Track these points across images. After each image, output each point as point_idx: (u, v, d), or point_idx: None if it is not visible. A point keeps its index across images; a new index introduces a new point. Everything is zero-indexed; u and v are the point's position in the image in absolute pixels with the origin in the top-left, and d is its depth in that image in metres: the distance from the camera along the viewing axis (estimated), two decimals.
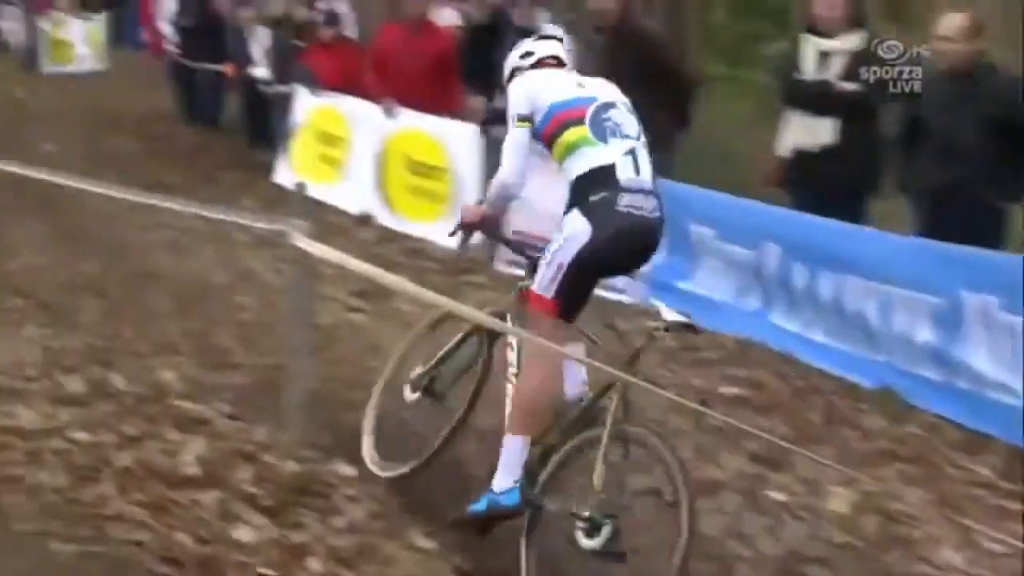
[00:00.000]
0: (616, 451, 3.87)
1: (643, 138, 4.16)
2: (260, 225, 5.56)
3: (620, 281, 6.17)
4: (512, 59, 4.55)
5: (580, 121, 4.10)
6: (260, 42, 11.43)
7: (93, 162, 10.86)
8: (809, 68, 6.51)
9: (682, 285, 6.77)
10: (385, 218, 9.22)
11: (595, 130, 4.09)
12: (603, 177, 4.01)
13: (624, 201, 3.98)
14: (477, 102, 8.52)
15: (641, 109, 4.27)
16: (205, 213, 6.02)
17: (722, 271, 6.64)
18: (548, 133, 4.15)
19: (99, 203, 8.14)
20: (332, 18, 10.44)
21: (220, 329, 6.42)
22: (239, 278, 7.52)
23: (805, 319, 6.12)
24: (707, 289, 6.69)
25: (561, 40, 4.66)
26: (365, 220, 9.24)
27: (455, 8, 10.16)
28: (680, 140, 7.31)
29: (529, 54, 4.52)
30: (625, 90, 4.32)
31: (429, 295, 4.47)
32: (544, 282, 4.04)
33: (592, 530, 3.82)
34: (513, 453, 4.05)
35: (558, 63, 4.49)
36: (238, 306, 6.94)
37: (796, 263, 6.12)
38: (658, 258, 4.65)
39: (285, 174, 10.20)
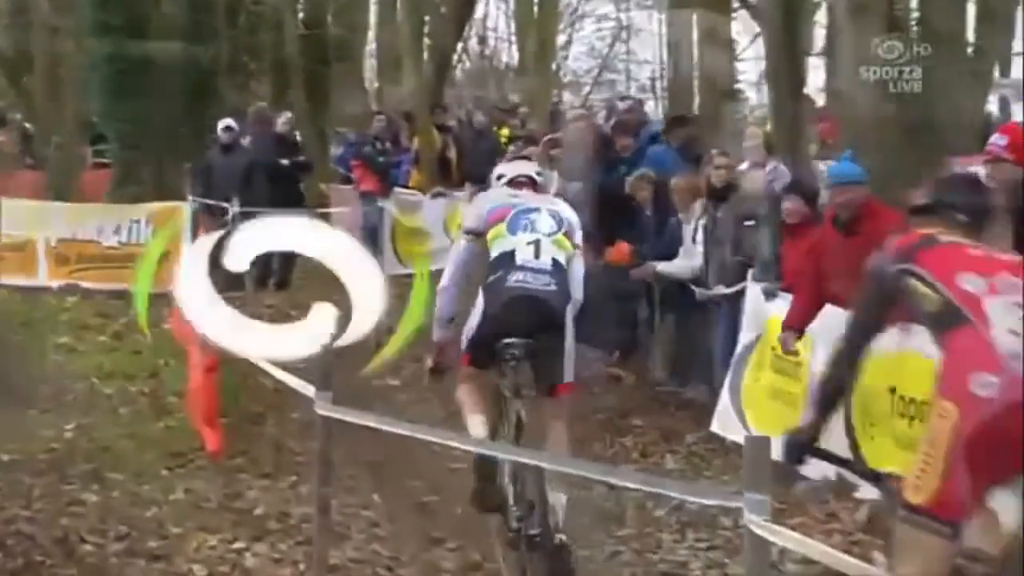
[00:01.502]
0: None
1: (559, 236, 7.17)
2: (696, 499, 5.55)
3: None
4: (490, 180, 7.91)
5: (502, 220, 7.23)
6: (696, 224, 11.18)
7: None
8: None
9: None
10: (871, 486, 8.87)
11: (510, 226, 7.19)
12: (505, 260, 7.10)
13: (514, 278, 7.01)
14: None
15: None
16: (610, 480, 6.24)
17: None
18: (487, 235, 7.24)
19: (455, 459, 8.39)
20: (798, 186, 10.11)
21: None
22: None
23: None
24: None
25: (530, 159, 7.99)
26: (843, 489, 8.95)
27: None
28: None
29: (501, 176, 7.70)
30: None
31: None
32: (464, 343, 7.28)
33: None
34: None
35: (529, 182, 7.59)
36: None
37: None
38: None
39: (728, 420, 10.13)
